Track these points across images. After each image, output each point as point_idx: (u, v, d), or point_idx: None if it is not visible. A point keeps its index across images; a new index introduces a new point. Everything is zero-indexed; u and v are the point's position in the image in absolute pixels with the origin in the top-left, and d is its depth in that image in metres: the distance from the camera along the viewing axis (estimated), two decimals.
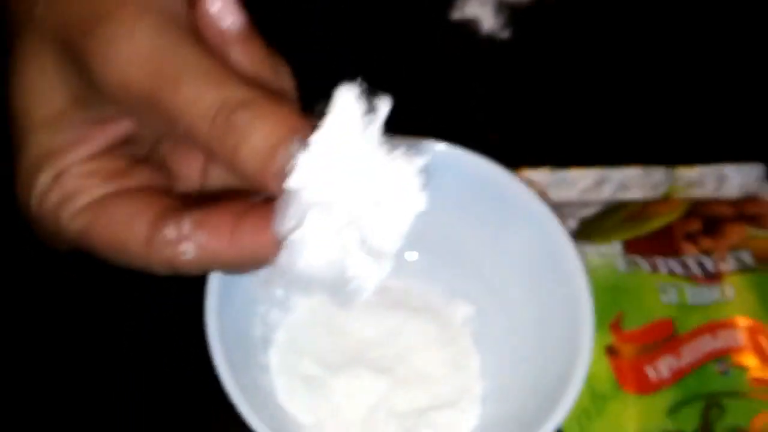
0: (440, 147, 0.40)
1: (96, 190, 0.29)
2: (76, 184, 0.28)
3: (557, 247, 0.39)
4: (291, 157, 0.24)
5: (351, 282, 0.25)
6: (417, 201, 0.24)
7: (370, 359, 0.39)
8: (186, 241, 0.27)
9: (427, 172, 0.38)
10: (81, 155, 0.29)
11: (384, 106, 0.24)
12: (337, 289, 0.25)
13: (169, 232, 0.27)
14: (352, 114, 0.24)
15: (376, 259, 0.24)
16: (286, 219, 0.24)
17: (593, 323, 0.37)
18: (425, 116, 0.44)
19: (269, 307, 0.40)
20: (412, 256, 0.42)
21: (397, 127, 0.37)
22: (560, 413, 0.34)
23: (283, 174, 0.24)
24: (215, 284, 0.35)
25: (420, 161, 0.25)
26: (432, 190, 0.39)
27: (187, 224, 0.27)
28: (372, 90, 0.24)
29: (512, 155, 0.42)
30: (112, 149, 0.29)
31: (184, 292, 0.35)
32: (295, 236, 0.24)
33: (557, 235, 0.39)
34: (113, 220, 0.28)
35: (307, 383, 0.38)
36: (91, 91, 0.28)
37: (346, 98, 0.24)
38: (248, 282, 0.36)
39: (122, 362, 0.40)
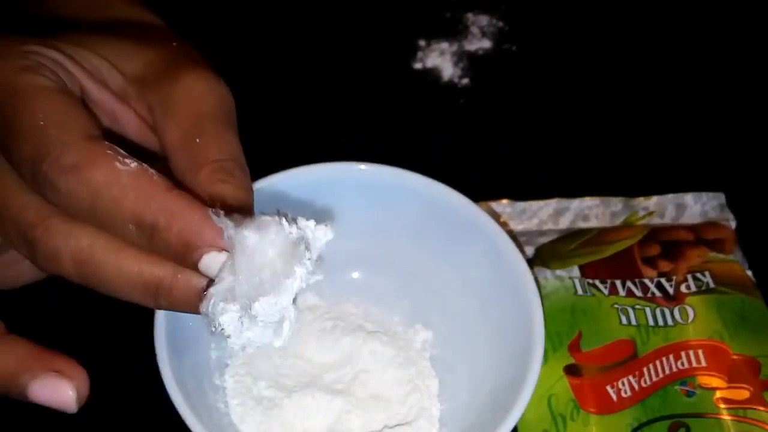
0: (395, 171, 0.41)
1: None
2: None
3: (511, 268, 0.40)
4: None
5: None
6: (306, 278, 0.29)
7: (327, 382, 0.40)
8: None
9: (379, 202, 0.40)
10: None
11: (315, 230, 0.30)
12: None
13: None
14: (271, 237, 0.29)
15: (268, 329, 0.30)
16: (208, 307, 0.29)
17: (543, 336, 0.37)
18: (388, 155, 0.45)
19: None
20: (367, 278, 0.43)
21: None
22: (510, 422, 0.34)
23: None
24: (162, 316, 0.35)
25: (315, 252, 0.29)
26: (391, 216, 0.41)
27: None
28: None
29: (472, 190, 0.43)
30: None
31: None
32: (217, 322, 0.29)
33: (511, 256, 0.40)
34: None
35: (262, 405, 0.38)
36: None
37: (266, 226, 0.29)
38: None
39: None
